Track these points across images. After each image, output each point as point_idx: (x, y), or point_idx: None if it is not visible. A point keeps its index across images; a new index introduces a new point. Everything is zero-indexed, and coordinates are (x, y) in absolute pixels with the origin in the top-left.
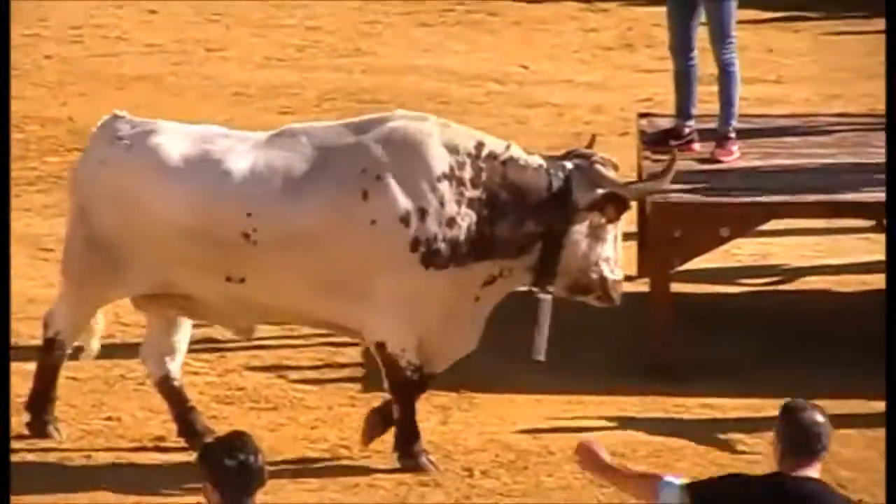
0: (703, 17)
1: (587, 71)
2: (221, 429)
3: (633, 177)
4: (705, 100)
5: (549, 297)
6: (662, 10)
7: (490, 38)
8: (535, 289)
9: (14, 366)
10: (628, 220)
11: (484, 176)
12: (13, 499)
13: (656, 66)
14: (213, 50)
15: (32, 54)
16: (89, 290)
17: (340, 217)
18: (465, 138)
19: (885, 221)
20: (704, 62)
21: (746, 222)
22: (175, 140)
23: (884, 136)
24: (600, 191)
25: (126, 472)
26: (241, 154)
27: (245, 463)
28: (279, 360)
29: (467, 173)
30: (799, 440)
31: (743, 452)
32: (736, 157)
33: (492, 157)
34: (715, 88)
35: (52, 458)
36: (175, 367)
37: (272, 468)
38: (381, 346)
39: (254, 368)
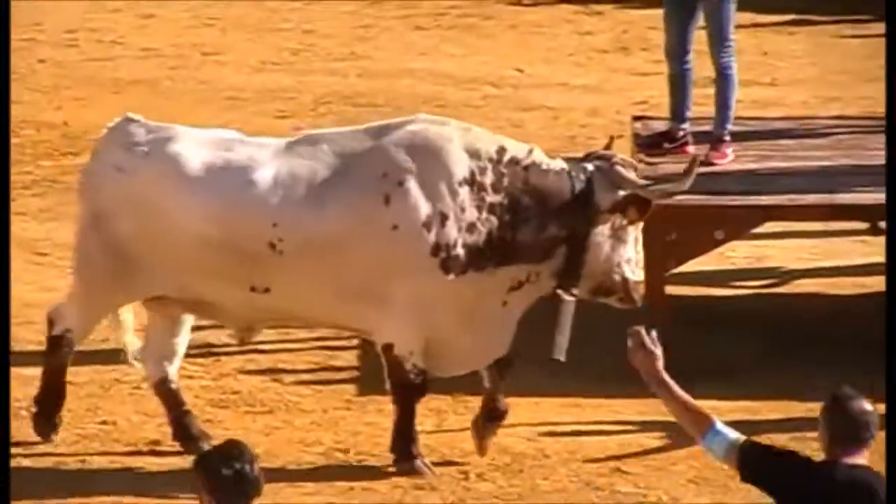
0: (701, 21)
1: (582, 74)
2: (216, 432)
3: None
4: (700, 102)
5: (572, 298)
6: (657, 13)
7: (485, 41)
8: (559, 291)
9: (12, 370)
10: None
11: (506, 181)
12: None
13: (651, 70)
14: (209, 54)
15: (27, 58)
16: (104, 294)
17: (363, 222)
18: (486, 143)
19: (880, 224)
20: (699, 65)
21: (742, 225)
22: (194, 148)
23: (880, 138)
24: (622, 192)
25: (121, 476)
26: (263, 163)
27: (241, 472)
28: (274, 364)
29: (488, 178)
30: (848, 429)
31: None
32: (730, 159)
33: (513, 161)
34: (710, 91)
35: (47, 462)
36: (173, 369)
37: (267, 472)
38: (388, 347)
39: (249, 372)
